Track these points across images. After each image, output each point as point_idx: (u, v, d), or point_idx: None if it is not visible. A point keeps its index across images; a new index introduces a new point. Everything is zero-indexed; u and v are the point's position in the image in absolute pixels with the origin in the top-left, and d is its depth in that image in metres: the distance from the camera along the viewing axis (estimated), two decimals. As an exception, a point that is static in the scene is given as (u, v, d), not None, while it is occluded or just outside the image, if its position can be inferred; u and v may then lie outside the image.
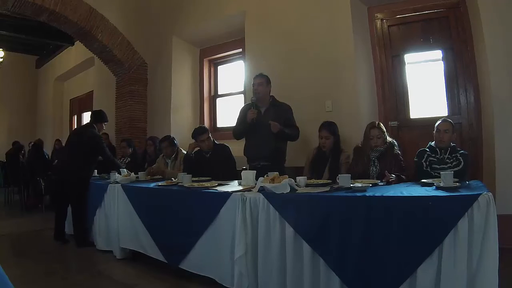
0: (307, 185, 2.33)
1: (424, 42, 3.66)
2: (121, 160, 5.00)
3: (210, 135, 3.50)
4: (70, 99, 9.32)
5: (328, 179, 2.67)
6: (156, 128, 5.59)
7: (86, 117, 8.58)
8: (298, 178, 2.32)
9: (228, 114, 5.36)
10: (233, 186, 2.64)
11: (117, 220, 3.21)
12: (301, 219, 2.02)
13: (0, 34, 7.49)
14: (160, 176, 3.68)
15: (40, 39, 8.01)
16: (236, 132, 3.32)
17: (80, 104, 8.77)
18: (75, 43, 7.56)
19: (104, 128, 3.97)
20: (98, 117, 3.92)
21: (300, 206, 2.05)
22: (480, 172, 3.22)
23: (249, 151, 3.25)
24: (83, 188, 3.68)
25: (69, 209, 3.79)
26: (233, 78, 5.46)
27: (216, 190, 2.50)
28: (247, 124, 3.11)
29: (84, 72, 8.23)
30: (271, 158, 3.11)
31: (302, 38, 3.97)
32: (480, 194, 1.65)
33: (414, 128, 3.66)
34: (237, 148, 3.53)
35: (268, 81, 3.22)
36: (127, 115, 5.72)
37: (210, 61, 5.69)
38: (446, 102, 3.55)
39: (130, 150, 4.91)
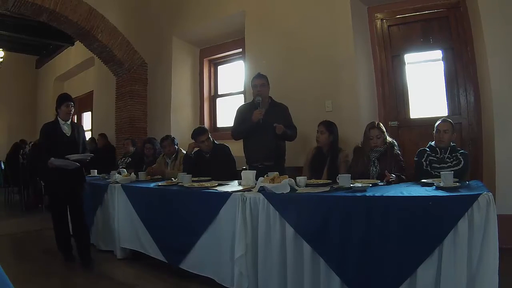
0: (307, 185, 2.33)
1: (424, 42, 3.66)
2: (122, 160, 5.00)
3: (209, 136, 3.50)
4: (70, 99, 9.31)
5: (327, 179, 2.67)
6: (156, 128, 5.59)
7: (86, 117, 8.58)
8: (298, 178, 2.32)
9: (228, 114, 5.36)
10: (233, 186, 2.64)
11: (117, 220, 3.21)
12: (301, 219, 2.02)
13: (0, 34, 7.49)
14: (160, 176, 3.68)
15: (40, 39, 8.01)
16: (237, 132, 3.29)
17: (80, 104, 8.75)
18: (75, 43, 7.56)
19: (70, 110, 3.17)
20: (56, 103, 3.21)
21: (300, 206, 2.05)
22: (480, 172, 3.23)
23: (252, 152, 3.23)
24: (48, 193, 3.39)
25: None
26: (233, 78, 5.46)
27: (216, 190, 2.50)
28: (251, 124, 3.07)
29: (84, 72, 8.23)
30: (272, 158, 3.12)
31: (302, 38, 3.97)
32: (480, 194, 1.65)
33: (414, 128, 3.66)
34: (237, 148, 3.52)
35: (267, 81, 3.23)
36: (127, 115, 5.72)
37: (210, 61, 5.69)
38: (446, 102, 3.55)
39: (133, 149, 4.91)
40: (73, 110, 3.19)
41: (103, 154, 5.72)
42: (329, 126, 3.08)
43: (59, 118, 3.16)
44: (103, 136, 6.13)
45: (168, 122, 5.39)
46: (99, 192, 3.47)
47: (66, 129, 3.16)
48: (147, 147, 4.41)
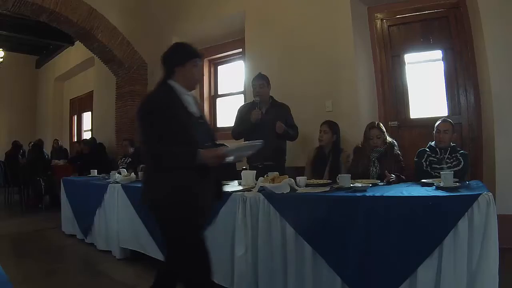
0: (307, 185, 2.33)
1: (424, 42, 3.66)
2: (122, 160, 5.00)
3: (210, 136, 3.49)
4: (70, 99, 9.32)
5: (328, 180, 2.67)
6: (156, 128, 5.57)
7: (86, 117, 8.56)
8: (298, 178, 2.32)
9: (228, 114, 5.35)
10: (233, 186, 2.64)
11: (117, 220, 3.21)
12: (301, 219, 2.02)
13: (0, 34, 7.49)
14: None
15: (40, 39, 8.01)
16: (236, 132, 3.30)
17: (80, 104, 8.77)
18: (75, 43, 7.56)
19: (202, 74, 1.91)
20: (173, 57, 1.78)
21: (300, 206, 2.05)
22: (480, 172, 3.22)
23: None
24: (173, 227, 1.66)
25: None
26: (233, 78, 5.46)
27: (216, 190, 2.49)
28: (250, 124, 3.09)
29: (84, 72, 8.23)
30: (273, 158, 3.12)
31: (302, 38, 3.97)
32: (480, 194, 1.65)
33: (414, 128, 3.66)
34: (237, 148, 3.52)
35: (268, 81, 3.23)
36: (127, 115, 5.72)
37: (210, 61, 5.68)
38: (446, 102, 3.55)
39: (132, 150, 4.91)
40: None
41: (93, 157, 5.69)
42: (332, 126, 3.09)
43: (173, 83, 1.73)
44: (85, 143, 6.14)
45: (168, 122, 5.37)
46: (99, 192, 3.47)
47: (192, 104, 1.79)
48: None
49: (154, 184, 1.69)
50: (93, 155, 5.85)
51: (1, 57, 8.11)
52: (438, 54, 3.64)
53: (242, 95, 4.97)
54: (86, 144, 6.18)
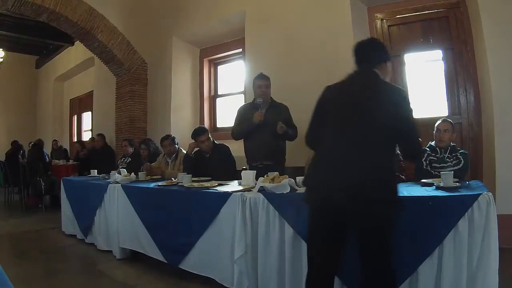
0: (307, 185, 2.32)
1: (424, 42, 3.66)
2: (122, 160, 5.00)
3: (210, 136, 3.50)
4: (70, 99, 9.33)
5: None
6: (156, 128, 5.59)
7: (86, 117, 8.57)
8: (298, 178, 2.32)
9: (228, 114, 5.36)
10: (233, 186, 2.64)
11: (117, 220, 3.21)
12: (300, 219, 2.01)
13: (0, 34, 7.49)
14: (160, 176, 3.68)
15: (40, 39, 8.02)
16: (236, 132, 3.30)
17: (80, 104, 8.78)
18: (75, 43, 7.57)
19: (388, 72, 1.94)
20: (381, 51, 1.92)
21: (300, 206, 2.04)
22: (480, 172, 3.23)
23: (251, 151, 3.24)
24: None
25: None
26: (233, 78, 5.46)
27: (216, 190, 2.50)
28: (251, 125, 3.09)
29: (84, 72, 8.23)
30: (272, 158, 3.12)
31: (302, 38, 3.97)
32: (480, 194, 1.65)
33: (414, 128, 3.65)
34: (237, 148, 3.52)
35: (270, 82, 3.24)
36: (127, 115, 5.72)
37: (210, 61, 5.69)
38: (446, 102, 3.55)
39: (131, 150, 4.91)
40: None
41: (102, 155, 5.70)
42: None
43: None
44: (101, 136, 6.09)
45: (168, 122, 5.39)
46: (99, 192, 3.47)
47: None
48: (142, 148, 4.43)
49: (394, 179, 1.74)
50: (104, 151, 5.83)
51: (1, 57, 8.11)
52: (438, 54, 3.64)
53: (242, 95, 4.97)
54: (102, 137, 6.06)
